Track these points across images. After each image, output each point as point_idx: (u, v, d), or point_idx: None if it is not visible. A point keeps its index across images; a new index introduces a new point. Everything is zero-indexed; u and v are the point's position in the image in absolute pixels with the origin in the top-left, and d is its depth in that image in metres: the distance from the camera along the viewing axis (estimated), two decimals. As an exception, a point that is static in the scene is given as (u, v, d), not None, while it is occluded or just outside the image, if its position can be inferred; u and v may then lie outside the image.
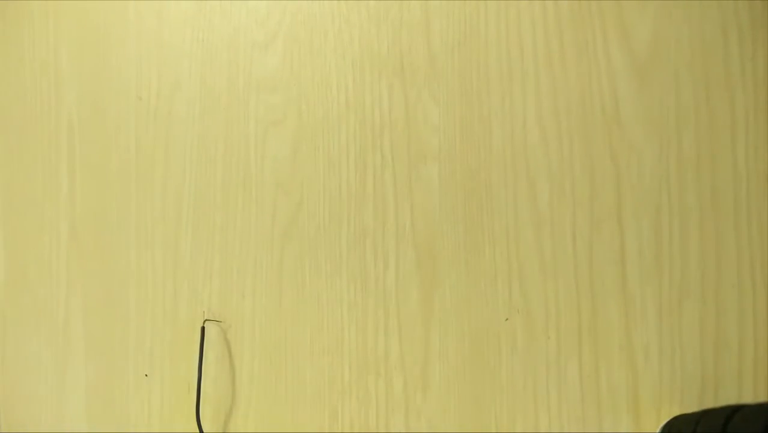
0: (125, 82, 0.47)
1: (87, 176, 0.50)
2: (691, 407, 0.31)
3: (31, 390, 0.51)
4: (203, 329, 0.42)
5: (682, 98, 0.32)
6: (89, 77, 0.50)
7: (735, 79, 0.31)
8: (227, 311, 0.40)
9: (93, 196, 0.49)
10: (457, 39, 0.37)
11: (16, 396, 0.51)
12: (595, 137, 0.33)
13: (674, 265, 0.32)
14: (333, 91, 0.40)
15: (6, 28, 0.54)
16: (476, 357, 0.36)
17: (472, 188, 0.36)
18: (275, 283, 0.41)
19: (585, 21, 0.34)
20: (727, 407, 0.29)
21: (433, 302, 0.37)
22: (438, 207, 0.37)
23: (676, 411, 0.31)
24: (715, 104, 0.32)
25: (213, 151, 0.43)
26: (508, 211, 0.35)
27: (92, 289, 0.50)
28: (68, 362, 0.49)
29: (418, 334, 0.37)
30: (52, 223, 0.51)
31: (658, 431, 0.32)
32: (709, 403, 0.31)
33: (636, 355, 0.33)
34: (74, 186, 0.50)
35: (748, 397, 0.31)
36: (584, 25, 0.34)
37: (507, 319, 0.35)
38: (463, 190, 0.36)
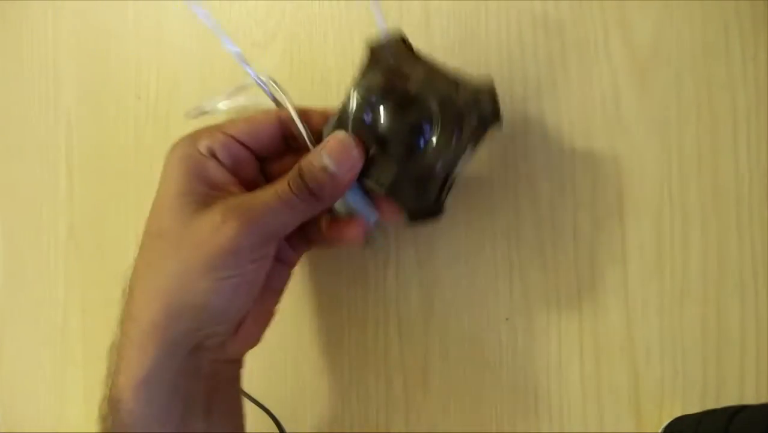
0: (124, 81, 0.47)
1: (85, 176, 0.50)
2: (693, 407, 0.31)
3: (30, 390, 0.51)
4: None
5: (684, 98, 0.32)
6: (88, 77, 0.50)
7: (737, 80, 0.31)
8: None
9: (91, 195, 0.49)
10: (458, 39, 0.37)
11: (15, 396, 0.51)
12: (596, 137, 0.33)
13: (676, 265, 0.32)
14: (333, 91, 0.40)
15: (4, 28, 0.54)
16: (477, 357, 0.36)
17: (473, 188, 0.36)
18: (275, 283, 0.41)
19: (586, 21, 0.34)
20: (730, 407, 0.29)
21: (433, 301, 0.37)
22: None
23: (678, 412, 0.31)
24: (717, 104, 0.32)
25: (212, 150, 0.43)
26: (508, 211, 0.35)
27: (91, 289, 0.50)
28: (67, 362, 0.49)
29: (418, 333, 0.37)
30: (50, 223, 0.51)
31: (659, 431, 0.32)
32: (711, 403, 0.31)
33: (637, 355, 0.33)
34: (72, 186, 0.50)
35: (751, 398, 0.31)
36: (585, 25, 0.34)
37: (507, 319, 0.35)
38: (463, 190, 0.36)
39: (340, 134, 0.30)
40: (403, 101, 0.30)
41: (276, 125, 0.32)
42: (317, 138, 0.31)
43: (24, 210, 0.52)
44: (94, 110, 0.49)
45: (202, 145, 0.30)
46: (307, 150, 0.30)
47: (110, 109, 0.48)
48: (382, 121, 0.30)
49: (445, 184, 0.30)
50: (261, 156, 0.32)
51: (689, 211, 0.32)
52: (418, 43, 0.37)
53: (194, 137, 0.31)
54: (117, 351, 0.30)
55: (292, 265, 0.36)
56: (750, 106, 0.31)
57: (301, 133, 0.31)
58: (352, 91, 0.30)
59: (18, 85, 0.53)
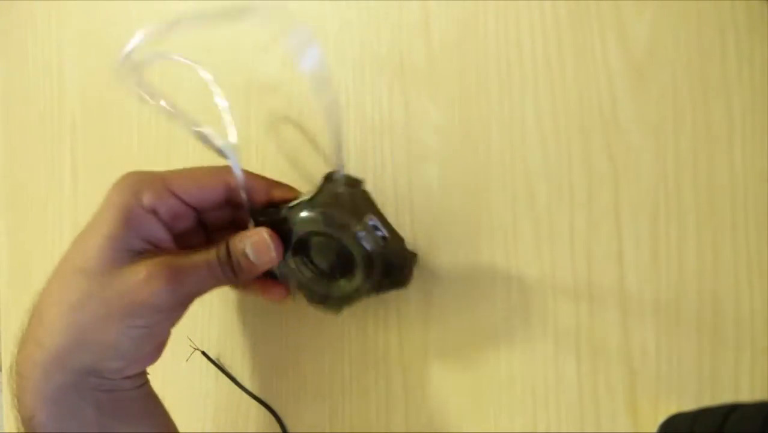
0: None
1: (90, 176, 0.50)
2: (689, 405, 0.32)
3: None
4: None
5: (680, 99, 0.32)
6: (92, 77, 0.50)
7: (732, 81, 0.31)
8: (230, 308, 0.40)
9: (95, 195, 0.49)
10: (457, 40, 0.37)
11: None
12: (593, 138, 0.34)
13: (672, 265, 0.32)
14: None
15: (9, 29, 0.55)
16: (475, 356, 0.36)
17: (472, 189, 0.36)
18: (276, 282, 0.42)
19: (583, 22, 0.34)
20: (725, 405, 0.29)
21: (433, 301, 0.37)
22: (437, 207, 0.37)
23: (674, 410, 0.32)
24: (713, 105, 0.32)
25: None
26: (506, 212, 0.35)
27: (95, 288, 0.50)
28: (71, 361, 0.50)
29: (417, 333, 0.38)
30: (54, 223, 0.51)
31: (656, 430, 0.32)
32: (707, 402, 0.31)
33: (633, 354, 0.33)
34: (77, 186, 0.51)
35: (746, 396, 0.31)
36: (582, 27, 0.34)
37: (505, 318, 0.35)
38: (463, 191, 0.37)
39: (264, 233, 0.32)
40: (335, 237, 0.33)
41: (222, 189, 0.33)
42: (259, 211, 0.34)
43: (29, 209, 0.53)
44: (98, 110, 0.49)
45: (146, 200, 0.31)
46: (245, 219, 0.33)
47: (114, 109, 0.48)
48: (313, 241, 0.34)
49: (346, 302, 0.35)
50: (201, 210, 0.34)
51: (685, 211, 0.32)
52: (417, 44, 0.38)
53: (139, 187, 0.32)
54: (18, 371, 0.31)
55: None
56: (745, 107, 0.31)
57: (245, 204, 0.33)
58: (301, 203, 0.33)
59: (23, 85, 0.53)
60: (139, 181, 0.32)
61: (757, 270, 0.31)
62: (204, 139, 0.32)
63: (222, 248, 0.32)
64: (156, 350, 0.34)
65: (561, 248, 0.34)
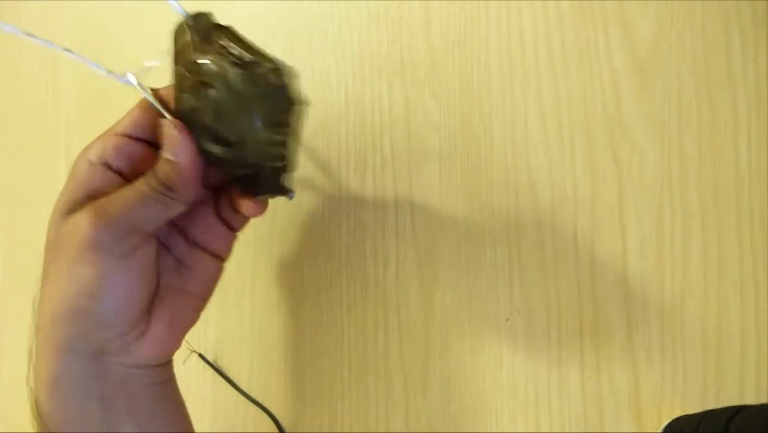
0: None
1: (85, 176, 0.49)
2: (693, 407, 0.31)
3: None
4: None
5: (684, 97, 0.32)
6: (87, 76, 0.50)
7: (737, 79, 0.31)
8: (227, 309, 0.40)
9: (91, 195, 0.49)
10: (458, 38, 0.37)
11: (14, 397, 0.51)
12: (597, 136, 0.33)
13: (676, 265, 0.32)
14: (333, 90, 0.40)
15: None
16: (476, 357, 0.36)
17: (473, 188, 0.36)
18: (274, 282, 0.41)
19: (586, 20, 0.34)
20: (729, 408, 0.29)
21: (433, 302, 0.37)
22: (438, 207, 0.37)
23: (678, 412, 0.31)
24: (717, 104, 0.32)
25: (212, 150, 0.43)
26: (509, 211, 0.35)
27: (90, 289, 0.49)
28: (66, 363, 0.49)
29: (418, 334, 0.37)
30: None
31: (659, 431, 0.32)
32: (711, 404, 0.31)
33: (637, 356, 0.32)
34: (72, 185, 0.50)
35: (750, 398, 0.31)
36: (585, 24, 0.34)
37: (508, 319, 0.35)
38: (464, 190, 0.36)
39: (165, 122, 0.31)
40: (221, 103, 0.30)
41: (151, 111, 0.32)
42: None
43: (23, 210, 0.52)
44: (94, 110, 0.49)
45: (93, 155, 0.31)
46: None
47: (109, 108, 0.48)
48: (202, 112, 0.30)
49: (282, 170, 0.31)
50: (158, 143, 0.32)
51: (689, 210, 0.32)
52: (418, 41, 0.38)
53: (87, 147, 0.31)
54: (29, 357, 0.30)
55: (219, 259, 0.34)
56: (750, 105, 0.31)
57: (162, 113, 0.31)
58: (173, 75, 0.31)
59: (17, 84, 0.53)
60: (89, 144, 0.32)
61: (762, 271, 0.31)
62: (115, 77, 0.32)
63: (151, 170, 0.30)
64: (169, 328, 0.31)
65: (564, 248, 0.34)
